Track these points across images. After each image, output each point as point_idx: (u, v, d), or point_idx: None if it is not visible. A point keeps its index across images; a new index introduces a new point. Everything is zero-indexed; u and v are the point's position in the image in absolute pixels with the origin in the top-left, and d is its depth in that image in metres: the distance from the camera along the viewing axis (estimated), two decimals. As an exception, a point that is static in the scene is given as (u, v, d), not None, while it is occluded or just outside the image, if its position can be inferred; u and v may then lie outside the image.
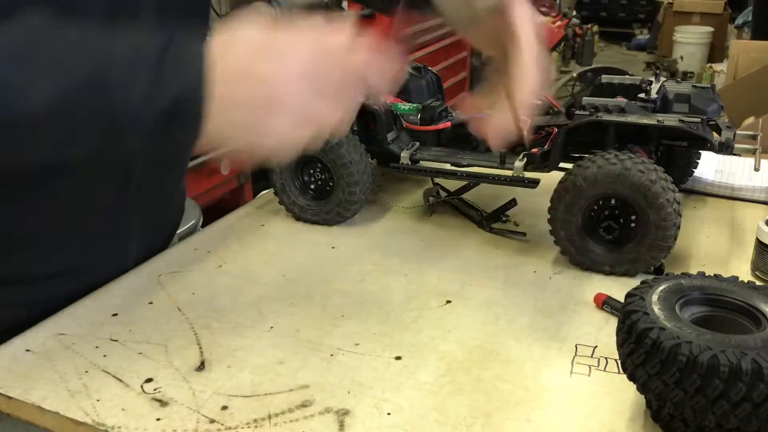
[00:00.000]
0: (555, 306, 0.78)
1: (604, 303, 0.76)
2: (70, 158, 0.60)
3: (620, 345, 0.58)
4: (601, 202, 0.83)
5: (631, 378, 0.57)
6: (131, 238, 0.86)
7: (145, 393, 0.64)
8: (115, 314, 0.77)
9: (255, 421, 0.60)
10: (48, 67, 0.53)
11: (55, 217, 0.77)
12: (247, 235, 0.97)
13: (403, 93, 1.06)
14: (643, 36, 7.10)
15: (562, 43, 5.62)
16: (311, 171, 0.99)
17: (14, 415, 0.64)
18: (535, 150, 0.91)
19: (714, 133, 0.89)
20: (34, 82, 0.53)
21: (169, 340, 0.72)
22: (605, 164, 0.80)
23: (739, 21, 5.49)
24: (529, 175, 0.90)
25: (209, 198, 2.32)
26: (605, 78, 0.98)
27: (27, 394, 0.63)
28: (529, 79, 0.71)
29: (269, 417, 0.61)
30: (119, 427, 0.59)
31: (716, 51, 5.85)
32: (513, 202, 0.97)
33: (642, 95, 0.91)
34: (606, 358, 0.68)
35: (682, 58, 5.91)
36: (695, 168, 1.06)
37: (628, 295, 0.60)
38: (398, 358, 0.69)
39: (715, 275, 0.63)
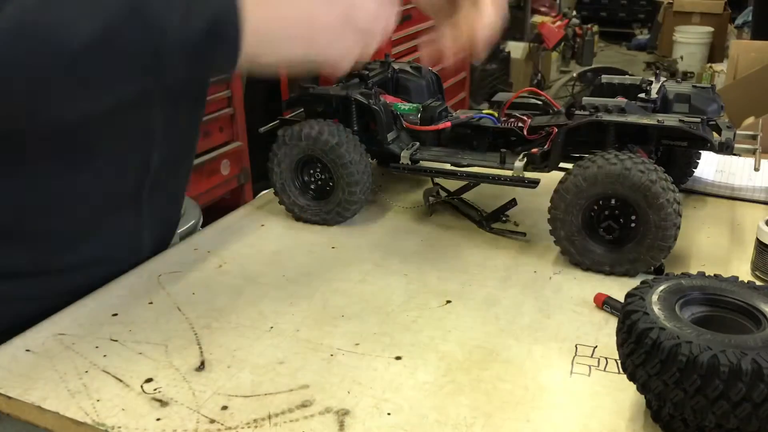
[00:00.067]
0: (555, 306, 0.78)
1: (604, 303, 0.76)
2: (119, 99, 0.61)
3: (620, 345, 0.58)
4: (601, 202, 0.83)
5: (631, 378, 0.57)
6: (146, 228, 0.88)
7: (145, 393, 0.64)
8: (115, 314, 0.77)
9: (255, 421, 0.60)
10: (88, 3, 0.54)
11: (79, 209, 0.79)
12: (247, 235, 0.97)
13: (403, 93, 1.07)
14: (643, 36, 7.10)
15: (562, 43, 5.61)
16: (311, 171, 0.99)
17: (14, 415, 0.64)
18: (535, 150, 0.91)
19: (714, 133, 0.89)
20: (78, 18, 0.54)
21: (169, 340, 0.72)
22: (605, 164, 0.80)
23: (739, 21, 5.49)
24: (529, 175, 0.90)
25: (209, 198, 2.32)
26: (605, 78, 0.98)
27: (27, 394, 0.63)
28: (486, 11, 0.73)
29: (269, 417, 0.61)
30: (119, 427, 0.59)
31: (716, 51, 5.85)
32: (513, 202, 0.97)
33: (642, 95, 0.91)
34: (606, 358, 0.68)
35: (682, 58, 5.90)
36: (695, 168, 1.06)
37: (628, 295, 0.60)
38: (398, 358, 0.69)
39: (715, 275, 0.63)
